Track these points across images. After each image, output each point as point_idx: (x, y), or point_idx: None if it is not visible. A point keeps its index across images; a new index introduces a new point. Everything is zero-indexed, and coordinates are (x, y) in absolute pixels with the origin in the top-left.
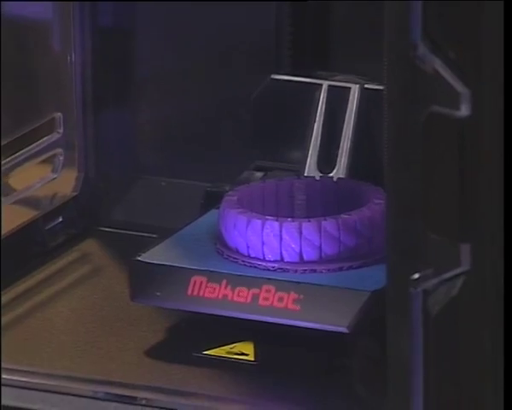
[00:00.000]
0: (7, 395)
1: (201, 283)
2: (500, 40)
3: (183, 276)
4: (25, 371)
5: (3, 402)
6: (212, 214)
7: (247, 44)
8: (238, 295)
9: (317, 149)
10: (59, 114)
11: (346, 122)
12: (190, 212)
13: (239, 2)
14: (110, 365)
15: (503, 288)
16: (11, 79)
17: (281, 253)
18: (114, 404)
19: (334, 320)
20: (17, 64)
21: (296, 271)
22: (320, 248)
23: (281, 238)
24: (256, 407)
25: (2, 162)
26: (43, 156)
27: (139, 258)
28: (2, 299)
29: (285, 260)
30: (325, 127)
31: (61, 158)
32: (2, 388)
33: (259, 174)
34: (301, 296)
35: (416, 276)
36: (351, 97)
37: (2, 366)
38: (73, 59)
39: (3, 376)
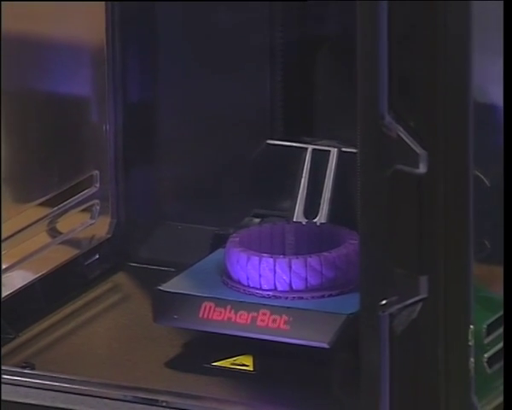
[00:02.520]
0: (55, 398)
1: (210, 307)
2: (450, 111)
3: (195, 302)
4: (68, 379)
5: (49, 404)
6: (219, 253)
7: (248, 116)
8: (240, 318)
9: (304, 199)
10: (96, 171)
11: (326, 178)
12: (201, 251)
13: (241, 81)
14: (137, 374)
15: (454, 311)
16: (59, 143)
17: (274, 283)
18: (140, 405)
19: (318, 338)
20: (64, 132)
21: (287, 298)
22: (306, 279)
23: (274, 272)
24: (255, 408)
25: (52, 210)
26: (84, 206)
27: (160, 288)
28: (54, 319)
29: (278, 290)
30: (310, 182)
31: (98, 207)
32: (44, 392)
33: (257, 220)
34: (291, 319)
35: (384, 302)
36: (330, 158)
37: (51, 375)
38: (108, 127)
39: (49, 383)
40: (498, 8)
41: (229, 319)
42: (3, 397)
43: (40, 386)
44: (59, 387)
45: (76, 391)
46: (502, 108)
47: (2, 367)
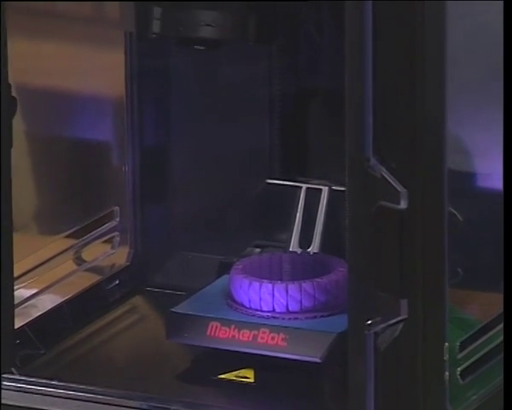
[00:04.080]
0: (79, 407)
1: (216, 327)
2: (428, 154)
3: (203, 322)
4: (91, 390)
5: None
6: (224, 279)
7: (249, 158)
8: (242, 336)
9: (299, 232)
10: (116, 207)
11: (318, 213)
12: (208, 277)
13: (244, 128)
14: (151, 385)
15: (431, 330)
16: (83, 183)
17: (273, 305)
18: None
19: (311, 353)
20: (88, 173)
21: (284, 318)
22: (301, 302)
23: (273, 295)
24: None
25: (78, 241)
26: (105, 237)
27: (173, 309)
28: (79, 337)
29: (276, 311)
30: (304, 217)
31: (118, 239)
32: (69, 401)
33: (258, 250)
34: (288, 337)
35: (369, 322)
36: (322, 196)
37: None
38: (127, 168)
39: (74, 393)
40: (470, 68)
41: (233, 336)
42: (33, 405)
43: (65, 396)
44: (82, 397)
45: (97, 400)
46: (473, 153)
47: (33, 379)
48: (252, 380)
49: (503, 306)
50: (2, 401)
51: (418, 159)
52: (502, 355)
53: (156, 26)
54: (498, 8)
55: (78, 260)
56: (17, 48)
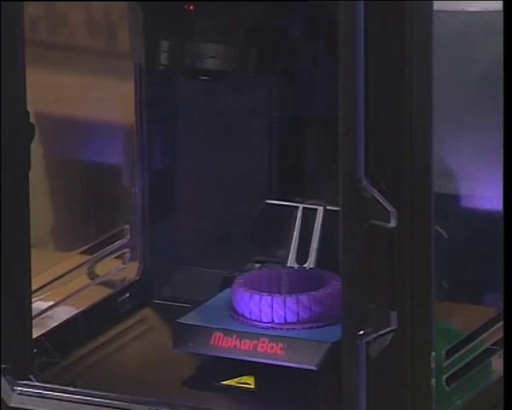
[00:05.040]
0: None
1: (219, 336)
2: (416, 177)
3: (207, 332)
4: (103, 395)
5: None
6: (226, 292)
7: (250, 180)
8: (243, 345)
9: (296, 248)
10: (127, 225)
11: (314, 231)
12: (212, 290)
13: (244, 152)
14: (159, 390)
15: (418, 340)
16: (96, 203)
17: (272, 317)
18: None
19: (307, 361)
20: (100, 193)
21: (282, 329)
22: (298, 313)
23: (272, 307)
24: None
25: (91, 257)
26: (117, 254)
27: (179, 320)
28: (92, 346)
29: (275, 322)
30: (301, 234)
31: (128, 255)
32: (84, 405)
33: (258, 265)
34: (286, 346)
35: (361, 332)
36: (317, 215)
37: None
38: (136, 190)
39: (88, 398)
40: (454, 95)
41: (235, 346)
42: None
43: (79, 401)
44: (96, 401)
45: (110, 405)
46: (457, 176)
47: (50, 386)
48: (252, 386)
49: (504, 307)
50: (22, 406)
51: (407, 181)
52: (484, 363)
53: (164, 59)
54: (486, 39)
55: (92, 275)
56: (36, 79)
